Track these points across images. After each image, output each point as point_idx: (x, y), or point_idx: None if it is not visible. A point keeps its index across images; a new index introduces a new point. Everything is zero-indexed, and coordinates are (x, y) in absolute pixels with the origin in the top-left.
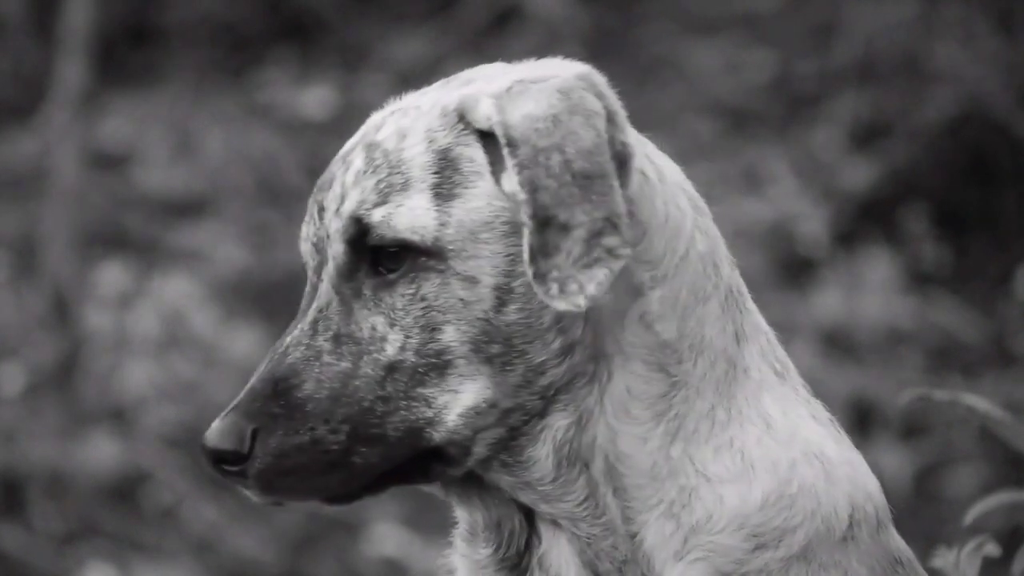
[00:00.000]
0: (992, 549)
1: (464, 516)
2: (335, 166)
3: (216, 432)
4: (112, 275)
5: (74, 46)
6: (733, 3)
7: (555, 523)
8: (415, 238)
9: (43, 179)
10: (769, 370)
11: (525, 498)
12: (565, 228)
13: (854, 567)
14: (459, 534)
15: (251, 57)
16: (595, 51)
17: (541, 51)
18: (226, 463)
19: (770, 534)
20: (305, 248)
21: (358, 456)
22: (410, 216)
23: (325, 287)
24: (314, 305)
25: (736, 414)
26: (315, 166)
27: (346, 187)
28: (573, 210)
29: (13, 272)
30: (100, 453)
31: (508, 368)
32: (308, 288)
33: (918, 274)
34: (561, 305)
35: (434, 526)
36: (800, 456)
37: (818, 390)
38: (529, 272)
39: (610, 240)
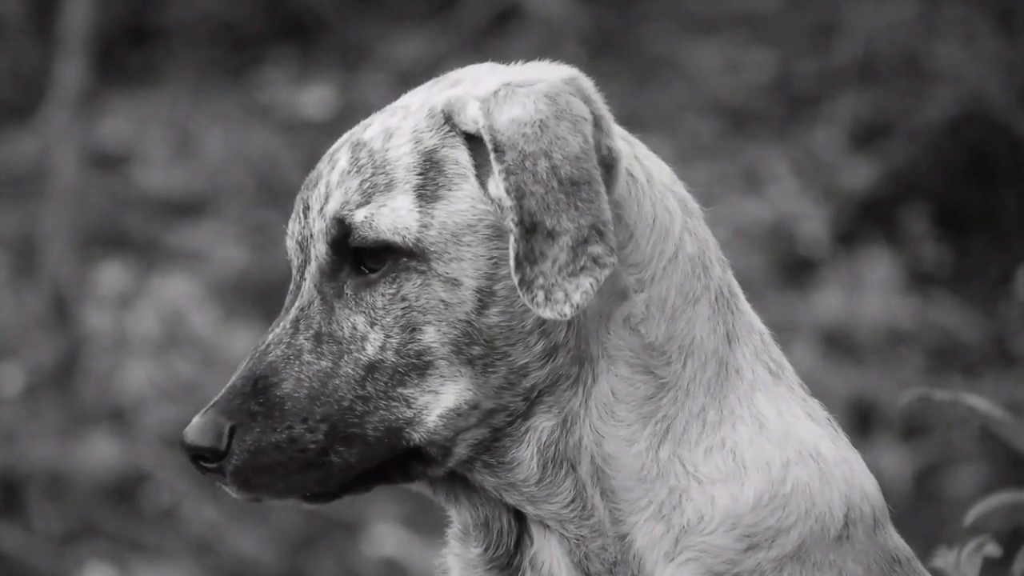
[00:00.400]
0: (992, 549)
1: (456, 515)
2: (322, 164)
3: (195, 429)
4: (112, 275)
5: (73, 46)
6: (733, 3)
7: (544, 524)
8: (396, 239)
9: (43, 179)
10: (763, 370)
11: (511, 499)
12: (551, 235)
13: (849, 566)
14: (453, 533)
15: (251, 57)
16: (595, 51)
17: (541, 51)
18: (204, 460)
19: (763, 534)
20: (290, 246)
21: (336, 455)
22: (392, 217)
23: (308, 286)
24: (296, 304)
25: (728, 414)
26: (314, 166)
27: (330, 187)
28: (559, 217)
29: (13, 272)
30: (100, 453)
31: (490, 370)
32: (292, 286)
33: (918, 274)
34: (547, 313)
35: (433, 526)
36: (794, 456)
37: (818, 390)
38: (515, 279)
39: (596, 248)
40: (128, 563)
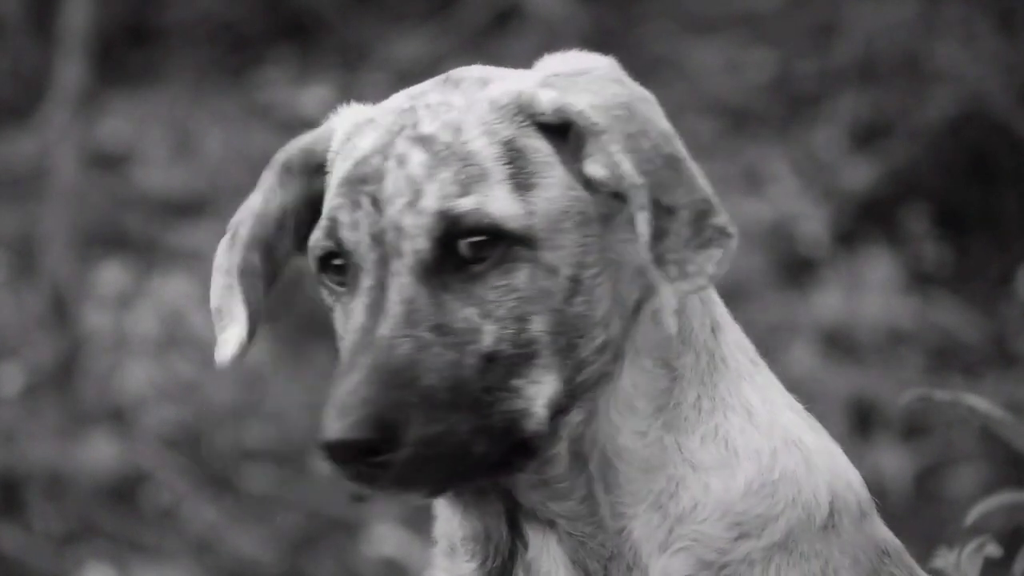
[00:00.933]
0: (993, 550)
1: (444, 530)
2: (376, 160)
3: (357, 423)
4: (111, 275)
5: (73, 45)
6: (733, 2)
7: (549, 524)
8: (508, 227)
9: (42, 179)
10: (745, 359)
11: (534, 497)
12: (670, 211)
13: (836, 557)
14: (439, 551)
15: (250, 57)
16: (595, 50)
17: (541, 51)
18: (369, 455)
19: (753, 522)
20: (357, 239)
21: (476, 446)
22: (498, 205)
23: (406, 280)
24: (395, 298)
25: (720, 403)
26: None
27: (416, 180)
28: (673, 193)
29: (12, 272)
30: (99, 453)
31: (565, 362)
32: (369, 280)
33: (919, 274)
34: (685, 287)
35: (433, 526)
36: (781, 444)
37: (818, 390)
38: (649, 256)
39: (716, 220)
40: (128, 563)
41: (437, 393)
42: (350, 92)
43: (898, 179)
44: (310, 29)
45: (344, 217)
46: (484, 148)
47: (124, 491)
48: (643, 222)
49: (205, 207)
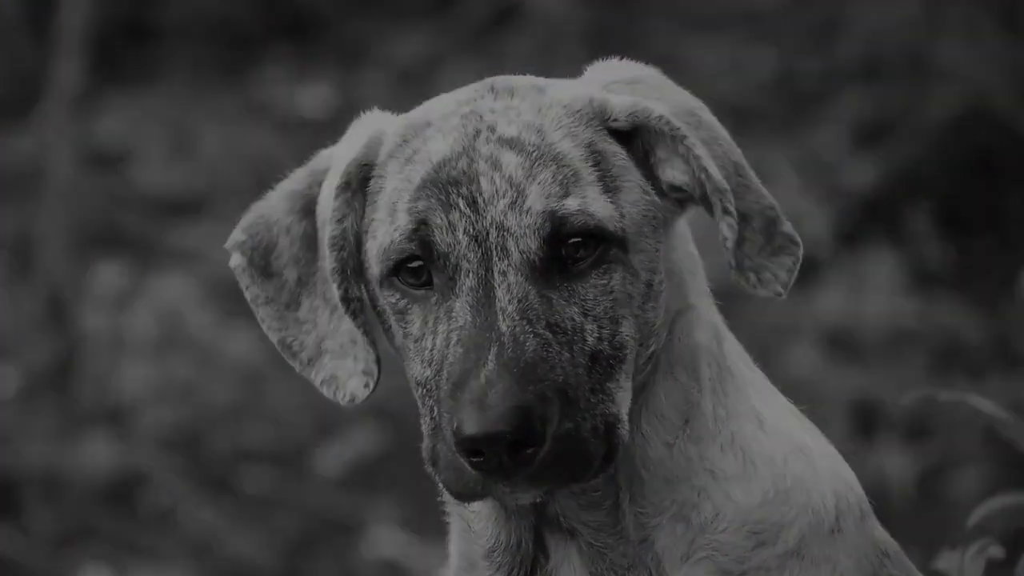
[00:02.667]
0: (996, 551)
1: (461, 548)
2: (462, 162)
3: (504, 416)
4: (108, 275)
5: (70, 44)
6: (735, 0)
7: (570, 534)
8: (610, 227)
9: (39, 178)
10: (744, 366)
11: (568, 505)
12: (744, 218)
13: (842, 561)
14: (454, 568)
15: (248, 55)
16: (596, 49)
17: (541, 49)
18: (515, 448)
19: (769, 530)
20: (452, 240)
21: (591, 446)
22: (598, 207)
23: (515, 279)
24: (507, 296)
25: (733, 410)
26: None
27: (516, 181)
28: (745, 199)
29: (9, 272)
30: (96, 455)
31: (631, 368)
32: (473, 281)
33: (922, 274)
34: (763, 293)
35: (433, 528)
36: (789, 450)
37: (820, 391)
38: (732, 262)
39: (785, 228)
40: (125, 565)
41: (567, 390)
42: (348, 91)
43: (901, 178)
44: (308, 27)
45: (437, 219)
46: (571, 150)
47: (121, 492)
48: (728, 228)
49: (202, 206)
